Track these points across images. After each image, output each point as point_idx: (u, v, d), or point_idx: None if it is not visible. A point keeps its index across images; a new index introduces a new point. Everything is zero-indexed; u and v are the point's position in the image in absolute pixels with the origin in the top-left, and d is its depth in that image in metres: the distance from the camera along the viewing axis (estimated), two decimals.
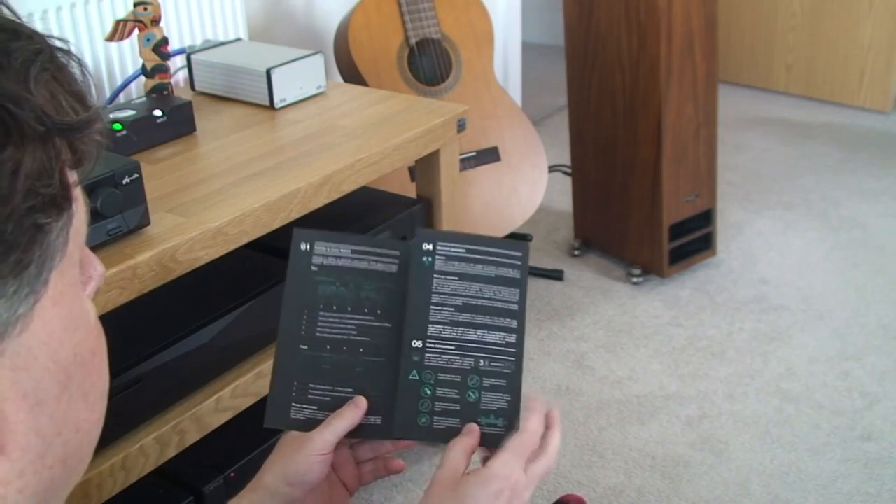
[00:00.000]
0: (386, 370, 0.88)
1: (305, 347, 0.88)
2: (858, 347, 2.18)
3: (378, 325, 0.88)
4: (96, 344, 0.49)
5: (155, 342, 1.27)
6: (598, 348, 2.22)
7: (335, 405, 0.87)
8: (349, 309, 0.88)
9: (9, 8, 0.45)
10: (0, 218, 0.40)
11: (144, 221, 1.21)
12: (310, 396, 0.88)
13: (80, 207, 0.47)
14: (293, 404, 0.88)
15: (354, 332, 0.88)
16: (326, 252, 0.89)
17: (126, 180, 1.16)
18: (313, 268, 0.89)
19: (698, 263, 2.52)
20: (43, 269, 0.43)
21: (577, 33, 2.42)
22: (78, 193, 0.46)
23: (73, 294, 0.47)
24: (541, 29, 4.29)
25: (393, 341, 0.88)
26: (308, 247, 0.89)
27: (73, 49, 0.47)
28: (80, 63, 0.47)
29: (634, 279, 2.46)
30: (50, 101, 0.43)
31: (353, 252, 0.89)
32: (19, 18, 0.45)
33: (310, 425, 0.86)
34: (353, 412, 0.86)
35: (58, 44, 0.46)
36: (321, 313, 0.88)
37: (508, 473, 0.81)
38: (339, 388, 0.88)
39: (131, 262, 1.15)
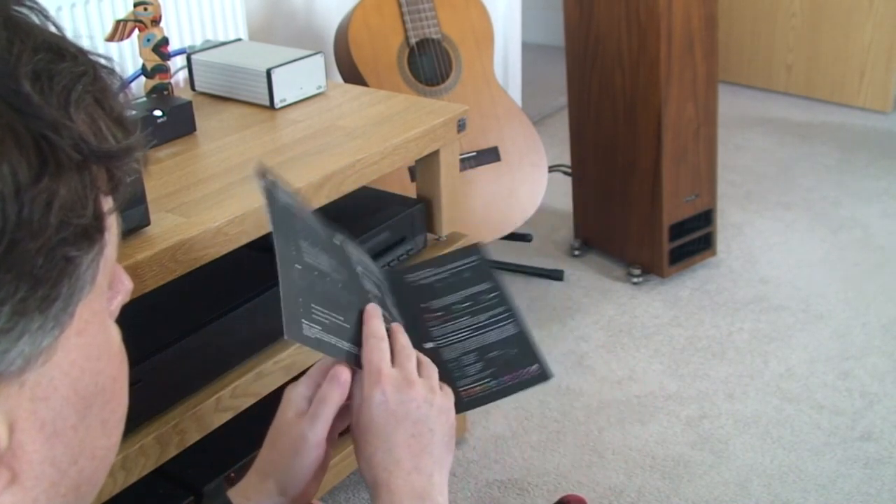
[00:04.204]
0: (356, 312, 0.88)
1: (300, 268, 0.87)
2: (858, 347, 2.18)
3: (341, 270, 0.90)
4: (118, 370, 0.48)
5: (154, 342, 1.27)
6: (599, 348, 2.22)
7: (334, 329, 0.85)
8: (319, 247, 0.88)
9: (54, 23, 0.43)
10: (30, 252, 0.38)
11: (144, 221, 1.21)
12: (314, 316, 0.86)
13: (112, 234, 0.45)
14: (303, 321, 0.85)
15: (328, 269, 0.88)
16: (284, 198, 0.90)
17: (126, 180, 1.16)
18: (281, 203, 0.89)
19: (698, 263, 2.52)
20: (70, 303, 0.42)
21: (577, 33, 2.42)
22: (111, 221, 0.45)
23: (99, 323, 0.46)
24: (541, 29, 4.29)
25: (355, 294, 0.89)
26: (271, 184, 0.89)
27: (116, 68, 0.45)
28: (123, 83, 0.45)
29: (634, 279, 2.46)
30: (90, 126, 0.42)
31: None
32: (63, 32, 0.43)
33: (319, 345, 0.84)
34: (336, 390, 0.82)
35: (102, 62, 0.44)
36: (302, 242, 0.88)
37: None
38: (333, 315, 0.86)
39: (131, 262, 1.15)
